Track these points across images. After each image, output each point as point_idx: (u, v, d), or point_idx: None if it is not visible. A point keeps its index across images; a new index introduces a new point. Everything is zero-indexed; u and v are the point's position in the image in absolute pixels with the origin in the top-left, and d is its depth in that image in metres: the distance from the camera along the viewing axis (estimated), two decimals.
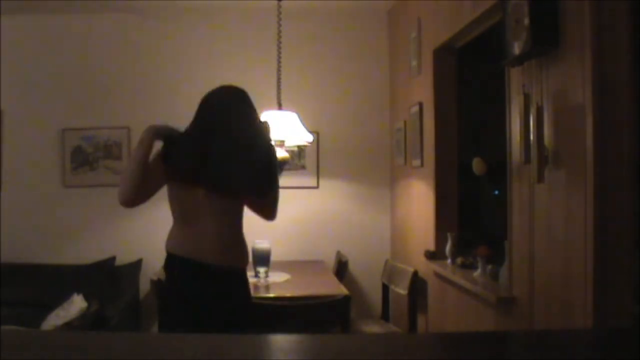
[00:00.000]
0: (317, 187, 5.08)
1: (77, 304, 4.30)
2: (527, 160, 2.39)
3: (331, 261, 4.87)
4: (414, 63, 4.23)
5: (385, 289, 4.57)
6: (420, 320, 4.02)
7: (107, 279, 4.66)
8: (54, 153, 4.96)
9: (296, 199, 5.00)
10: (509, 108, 2.70)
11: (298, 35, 4.75)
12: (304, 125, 3.89)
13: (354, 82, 5.10)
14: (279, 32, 4.00)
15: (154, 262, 4.52)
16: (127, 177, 2.48)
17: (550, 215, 2.34)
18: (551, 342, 1.35)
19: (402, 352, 1.27)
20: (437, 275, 3.71)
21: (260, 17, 4.67)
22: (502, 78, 2.78)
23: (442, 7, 3.68)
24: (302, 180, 5.03)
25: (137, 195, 2.49)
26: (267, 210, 2.65)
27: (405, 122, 4.50)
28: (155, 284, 3.40)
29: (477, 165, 3.47)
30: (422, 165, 4.08)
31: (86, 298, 4.35)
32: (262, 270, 3.98)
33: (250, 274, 4.03)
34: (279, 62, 4.02)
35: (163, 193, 4.72)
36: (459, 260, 3.50)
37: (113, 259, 4.78)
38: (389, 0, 4.86)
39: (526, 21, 2.32)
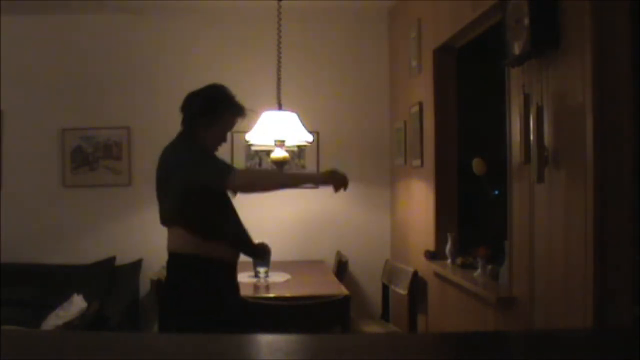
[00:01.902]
0: (317, 187, 5.07)
1: (77, 304, 4.30)
2: (527, 160, 2.38)
3: (331, 261, 4.87)
4: (414, 63, 4.23)
5: (385, 289, 4.57)
6: (420, 320, 4.02)
7: (107, 279, 4.66)
8: (54, 153, 4.96)
9: (296, 199, 5.00)
10: (509, 108, 2.70)
11: (298, 35, 4.75)
12: (304, 125, 3.89)
13: (354, 82, 5.10)
14: (279, 32, 4.00)
15: (154, 262, 4.52)
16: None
17: (550, 215, 2.34)
18: (551, 342, 1.35)
19: (402, 352, 1.27)
20: (437, 275, 3.70)
21: (260, 17, 4.67)
22: (502, 78, 2.78)
23: (442, 7, 3.68)
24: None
25: None
26: None
27: (405, 122, 4.50)
28: (164, 285, 3.40)
29: (477, 165, 3.47)
30: (422, 165, 4.08)
31: (86, 298, 4.35)
32: (262, 270, 3.98)
33: (250, 274, 4.05)
34: (279, 62, 4.02)
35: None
36: (459, 260, 3.50)
37: (113, 259, 4.78)
38: (389, 0, 4.86)
39: (526, 21, 2.32)
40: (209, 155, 2.74)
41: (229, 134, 2.90)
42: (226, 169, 2.65)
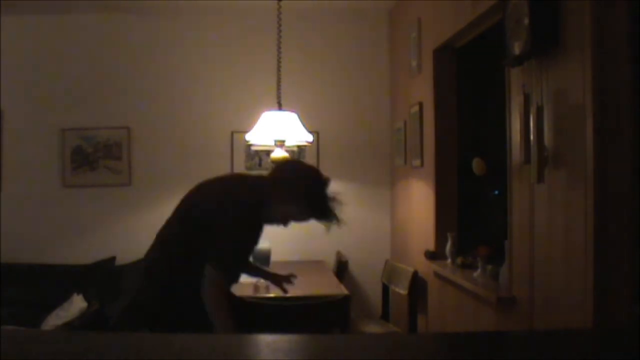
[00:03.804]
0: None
1: (77, 304, 4.30)
2: (527, 160, 2.38)
3: (331, 261, 4.87)
4: (414, 63, 4.23)
5: (385, 289, 4.57)
6: (420, 320, 4.02)
7: (107, 279, 4.65)
8: (54, 153, 4.96)
9: None
10: (509, 108, 2.70)
11: (298, 35, 4.75)
12: (304, 125, 3.89)
13: (354, 82, 5.10)
14: (279, 32, 4.00)
15: None
16: None
17: (550, 215, 2.34)
18: (551, 342, 1.35)
19: (402, 352, 1.27)
20: (437, 275, 3.70)
21: (260, 17, 4.67)
22: (502, 78, 2.78)
23: (442, 7, 3.68)
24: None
25: None
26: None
27: (405, 122, 4.50)
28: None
29: (477, 165, 3.47)
30: (422, 165, 4.08)
31: (86, 298, 4.35)
32: None
33: None
34: (279, 62, 4.02)
35: (163, 191, 4.70)
36: (459, 260, 3.50)
37: (113, 259, 4.78)
38: (389, 0, 4.86)
39: (526, 21, 2.32)
40: (257, 224, 2.53)
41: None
42: (217, 254, 2.41)
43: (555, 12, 2.27)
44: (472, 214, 3.97)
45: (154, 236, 2.93)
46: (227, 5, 4.86)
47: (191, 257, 2.47)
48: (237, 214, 2.45)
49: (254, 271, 3.08)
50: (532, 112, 2.35)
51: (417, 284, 3.94)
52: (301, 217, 2.65)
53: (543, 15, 2.28)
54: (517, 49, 2.42)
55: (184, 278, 2.48)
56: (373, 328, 4.24)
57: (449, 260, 3.59)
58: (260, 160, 4.98)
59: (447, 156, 3.83)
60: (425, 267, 3.88)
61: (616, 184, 2.05)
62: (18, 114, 4.93)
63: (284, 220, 2.65)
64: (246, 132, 3.87)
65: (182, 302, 2.48)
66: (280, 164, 2.76)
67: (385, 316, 4.56)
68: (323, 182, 2.60)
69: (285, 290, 2.92)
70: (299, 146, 4.45)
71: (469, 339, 1.49)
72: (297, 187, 2.55)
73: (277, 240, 4.52)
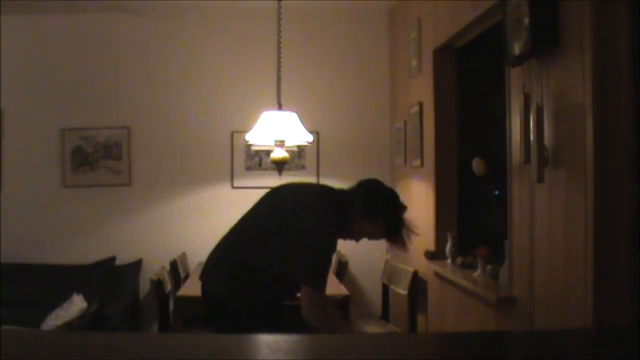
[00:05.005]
0: None
1: (77, 304, 4.30)
2: (527, 160, 2.38)
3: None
4: (414, 63, 4.23)
5: (385, 289, 4.57)
6: (420, 320, 4.02)
7: (107, 279, 4.66)
8: (54, 153, 4.96)
9: None
10: (509, 108, 2.70)
11: (298, 35, 4.75)
12: (304, 125, 3.88)
13: (354, 82, 5.09)
14: (279, 32, 4.00)
15: (154, 262, 4.52)
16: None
17: (550, 215, 2.34)
18: (551, 342, 1.35)
19: (402, 352, 1.27)
20: (437, 275, 3.70)
21: (260, 17, 4.67)
22: (502, 78, 2.78)
23: (442, 7, 3.68)
24: (302, 180, 5.02)
25: None
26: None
27: (405, 122, 4.50)
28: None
29: (477, 165, 3.47)
30: (422, 165, 4.08)
31: (86, 298, 4.35)
32: None
33: None
34: (279, 62, 4.02)
35: (163, 191, 4.74)
36: (459, 260, 3.50)
37: (113, 259, 4.78)
38: (389, 0, 4.86)
39: (526, 21, 2.32)
40: (334, 242, 2.55)
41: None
42: (314, 278, 2.43)
43: (555, 12, 2.27)
44: (472, 214, 3.96)
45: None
46: (227, 5, 4.86)
47: (276, 264, 2.46)
48: (324, 235, 2.46)
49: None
50: (532, 112, 2.35)
51: (417, 284, 3.94)
52: (375, 236, 2.68)
53: (543, 15, 2.28)
54: (517, 49, 2.42)
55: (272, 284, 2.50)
56: (373, 328, 4.24)
57: (449, 260, 3.59)
58: (261, 160, 4.97)
59: (447, 156, 3.83)
60: (425, 267, 3.88)
61: (616, 184, 2.05)
62: (18, 114, 4.93)
63: (358, 237, 2.69)
64: (246, 132, 3.87)
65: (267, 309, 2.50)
66: (364, 183, 2.72)
67: (385, 316, 4.56)
68: (403, 208, 2.68)
69: None
70: (299, 146, 4.44)
71: (469, 339, 1.49)
72: (382, 209, 2.60)
73: None
